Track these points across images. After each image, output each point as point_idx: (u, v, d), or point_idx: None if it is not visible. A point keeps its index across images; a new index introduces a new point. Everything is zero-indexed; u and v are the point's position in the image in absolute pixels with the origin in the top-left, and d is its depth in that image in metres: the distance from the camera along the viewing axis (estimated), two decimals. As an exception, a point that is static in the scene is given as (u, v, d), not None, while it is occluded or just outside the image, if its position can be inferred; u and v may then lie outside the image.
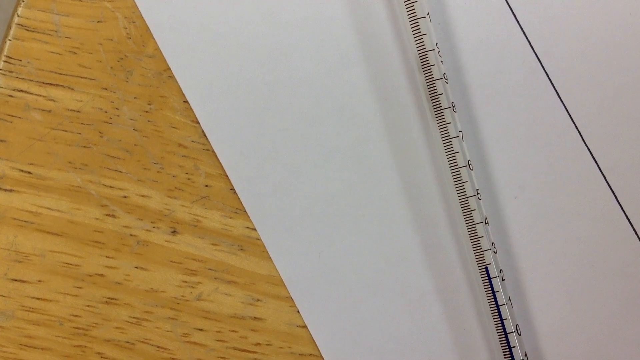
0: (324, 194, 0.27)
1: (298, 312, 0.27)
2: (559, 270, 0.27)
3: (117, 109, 0.26)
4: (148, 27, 0.26)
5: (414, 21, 0.25)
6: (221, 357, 0.27)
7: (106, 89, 0.26)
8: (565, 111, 0.26)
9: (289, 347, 0.27)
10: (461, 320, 0.27)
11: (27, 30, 0.26)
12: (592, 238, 0.26)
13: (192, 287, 0.27)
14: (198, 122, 0.26)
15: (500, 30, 0.26)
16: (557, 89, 0.26)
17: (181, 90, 0.26)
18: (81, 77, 0.26)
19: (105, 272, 0.26)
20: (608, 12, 0.26)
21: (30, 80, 0.26)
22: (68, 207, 0.26)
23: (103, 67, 0.26)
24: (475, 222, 0.25)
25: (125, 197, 0.26)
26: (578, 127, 0.26)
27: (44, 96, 0.26)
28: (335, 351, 0.27)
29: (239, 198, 0.27)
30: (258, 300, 0.27)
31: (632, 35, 0.26)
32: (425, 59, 0.25)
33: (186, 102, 0.26)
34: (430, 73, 0.25)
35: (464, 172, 0.25)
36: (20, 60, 0.26)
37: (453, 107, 0.25)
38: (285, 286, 0.27)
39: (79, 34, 0.26)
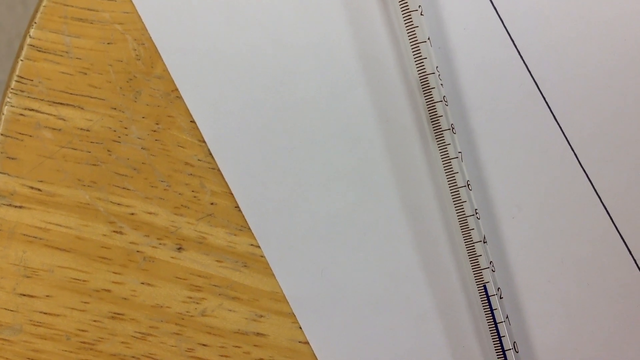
0: (326, 212, 0.27)
1: (300, 328, 0.27)
2: (556, 289, 0.27)
3: (125, 128, 0.27)
4: (157, 49, 0.27)
5: (415, 45, 0.26)
6: (224, 372, 0.27)
7: (115, 108, 0.27)
8: (562, 133, 0.27)
9: (291, 363, 0.27)
10: (460, 337, 0.27)
11: (39, 51, 0.27)
12: (588, 257, 0.27)
13: (197, 303, 0.27)
14: (204, 142, 0.27)
15: (499, 55, 0.27)
16: (553, 111, 0.27)
17: (188, 111, 0.27)
18: (91, 97, 0.27)
19: (111, 288, 0.27)
20: (603, 37, 0.27)
21: (42, 100, 0.27)
22: (76, 223, 0.27)
23: (112, 88, 0.27)
24: (474, 241, 0.26)
25: (132, 214, 0.27)
26: (574, 149, 0.27)
27: (54, 115, 0.27)
28: (337, 367, 0.27)
29: (243, 216, 0.27)
30: (261, 316, 0.27)
31: (626, 60, 0.27)
32: (426, 82, 0.26)
33: (193, 122, 0.27)
34: (431, 96, 0.26)
35: (463, 192, 0.26)
36: (32, 80, 0.27)
37: (453, 128, 0.26)
38: (288, 303, 0.27)
39: (89, 55, 0.27)
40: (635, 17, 0.27)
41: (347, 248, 0.27)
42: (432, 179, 0.27)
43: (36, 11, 0.27)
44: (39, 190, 0.27)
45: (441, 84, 0.26)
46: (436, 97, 0.26)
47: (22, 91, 0.27)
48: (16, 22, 0.82)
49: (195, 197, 0.27)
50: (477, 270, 0.26)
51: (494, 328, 0.26)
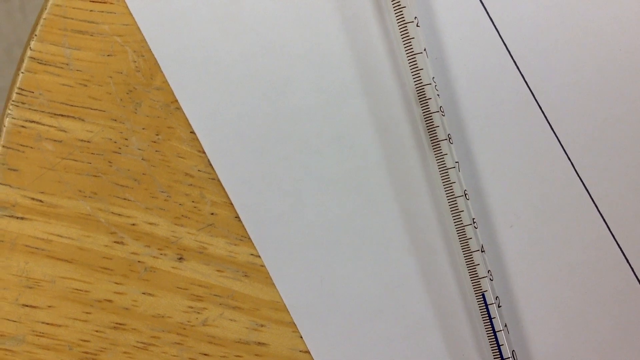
0: (325, 221, 0.27)
1: (301, 337, 0.27)
2: (554, 297, 0.27)
3: (126, 139, 0.27)
4: (156, 61, 0.27)
5: (412, 56, 0.26)
6: (225, 381, 0.27)
7: (115, 120, 0.27)
8: (558, 142, 0.27)
9: (292, 371, 0.27)
10: (459, 345, 0.27)
11: (40, 63, 0.27)
12: (585, 265, 0.27)
13: (198, 313, 0.27)
14: (204, 152, 0.27)
15: (495, 65, 0.27)
16: (549, 120, 0.27)
17: (188, 122, 0.27)
18: (91, 109, 0.27)
19: (113, 298, 0.27)
20: (599, 46, 0.27)
21: (42, 112, 0.27)
22: (78, 234, 0.27)
23: (112, 99, 0.27)
24: (472, 251, 0.26)
25: (133, 224, 0.27)
26: (570, 158, 0.27)
27: (55, 127, 0.27)
28: (337, 375, 0.27)
29: (243, 226, 0.27)
30: (262, 325, 0.27)
31: (622, 68, 0.27)
32: (423, 93, 0.26)
33: (193, 132, 0.27)
34: (427, 106, 0.26)
35: (460, 201, 0.26)
36: (33, 92, 0.27)
37: (449, 139, 0.26)
38: (288, 312, 0.27)
39: (89, 67, 0.27)
40: (629, 24, 0.27)
41: (346, 257, 0.27)
42: (430, 188, 0.27)
43: (36, 24, 0.27)
44: (41, 201, 0.27)
45: (438, 95, 0.26)
46: (433, 108, 0.26)
47: (23, 103, 0.27)
48: (15, 28, 0.83)
49: (195, 207, 0.27)
50: (475, 279, 0.26)
51: (493, 337, 0.26)
